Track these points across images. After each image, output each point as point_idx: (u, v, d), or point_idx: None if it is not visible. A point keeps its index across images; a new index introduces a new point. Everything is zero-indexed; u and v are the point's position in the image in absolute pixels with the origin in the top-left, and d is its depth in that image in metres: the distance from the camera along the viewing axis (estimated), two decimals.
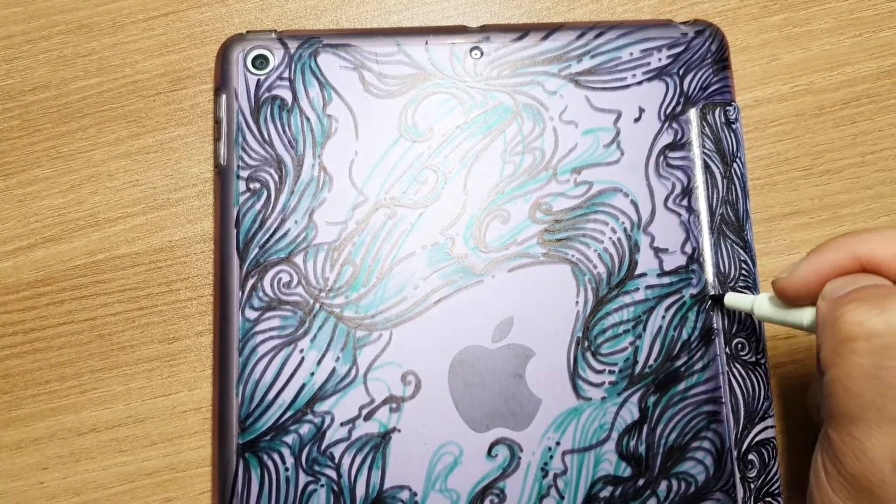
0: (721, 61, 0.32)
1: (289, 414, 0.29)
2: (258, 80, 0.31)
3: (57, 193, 0.33)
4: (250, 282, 0.30)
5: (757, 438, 0.30)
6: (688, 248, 0.31)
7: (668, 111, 0.32)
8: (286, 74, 0.31)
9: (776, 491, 0.29)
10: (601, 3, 0.35)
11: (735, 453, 0.30)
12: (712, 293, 0.30)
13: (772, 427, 0.30)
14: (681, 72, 0.32)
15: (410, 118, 0.31)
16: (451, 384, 0.30)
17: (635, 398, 0.30)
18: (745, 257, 0.31)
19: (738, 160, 0.32)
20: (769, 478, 0.30)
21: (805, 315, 0.26)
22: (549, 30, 0.32)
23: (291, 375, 0.30)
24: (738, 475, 0.30)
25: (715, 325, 0.30)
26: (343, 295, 0.30)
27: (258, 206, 0.31)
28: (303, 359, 0.30)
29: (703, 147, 0.32)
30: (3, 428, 0.31)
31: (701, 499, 0.29)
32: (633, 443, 0.30)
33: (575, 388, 0.30)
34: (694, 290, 0.31)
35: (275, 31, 0.32)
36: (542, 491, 0.29)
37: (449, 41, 0.32)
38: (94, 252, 0.33)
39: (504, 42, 0.32)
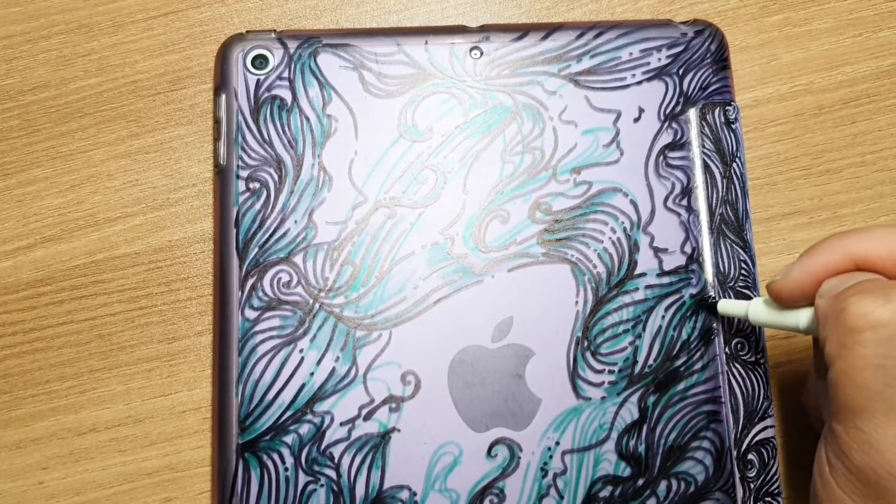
0: (721, 61, 0.32)
1: (288, 414, 0.29)
2: (258, 80, 0.31)
3: (56, 193, 0.33)
4: (250, 282, 0.30)
5: (756, 438, 0.30)
6: (687, 248, 0.31)
7: (668, 111, 0.32)
8: (286, 74, 0.31)
9: (776, 491, 0.30)
10: (601, 2, 0.35)
11: (735, 453, 0.30)
12: (705, 298, 0.30)
13: (771, 427, 0.30)
14: (680, 72, 0.32)
15: (410, 118, 0.31)
16: (451, 384, 0.30)
17: (635, 398, 0.30)
18: (744, 257, 0.31)
19: (737, 160, 0.32)
20: (769, 477, 0.30)
21: (801, 316, 0.25)
22: (549, 30, 0.32)
23: (291, 375, 0.30)
24: (737, 475, 0.30)
25: (714, 325, 0.30)
26: (343, 295, 0.30)
27: (258, 205, 0.31)
28: (302, 359, 0.30)
29: (703, 147, 0.32)
30: (2, 428, 0.31)
31: (700, 498, 0.29)
32: (632, 442, 0.30)
33: (574, 387, 0.30)
34: (693, 290, 0.31)
35: (274, 30, 0.32)
36: (541, 491, 0.29)
37: (449, 41, 0.32)
38: (94, 252, 0.33)
39: (504, 42, 0.32)
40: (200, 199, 0.33)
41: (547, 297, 0.30)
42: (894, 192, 0.33)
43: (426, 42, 0.32)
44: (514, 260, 0.31)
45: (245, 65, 0.31)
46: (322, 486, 0.29)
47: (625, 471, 0.29)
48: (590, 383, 0.30)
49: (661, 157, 0.32)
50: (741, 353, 0.30)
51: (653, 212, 0.31)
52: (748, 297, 0.31)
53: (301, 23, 0.35)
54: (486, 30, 0.32)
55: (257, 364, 0.30)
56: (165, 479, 0.31)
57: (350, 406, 0.29)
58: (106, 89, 0.34)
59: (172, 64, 0.34)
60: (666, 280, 0.31)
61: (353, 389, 0.30)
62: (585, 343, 0.30)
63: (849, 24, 0.35)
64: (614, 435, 0.30)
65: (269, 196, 0.31)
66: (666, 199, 0.31)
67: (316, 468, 0.29)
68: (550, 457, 0.29)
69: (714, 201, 0.31)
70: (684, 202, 0.31)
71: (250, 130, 0.31)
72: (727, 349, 0.30)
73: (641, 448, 0.30)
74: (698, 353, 0.30)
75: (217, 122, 0.31)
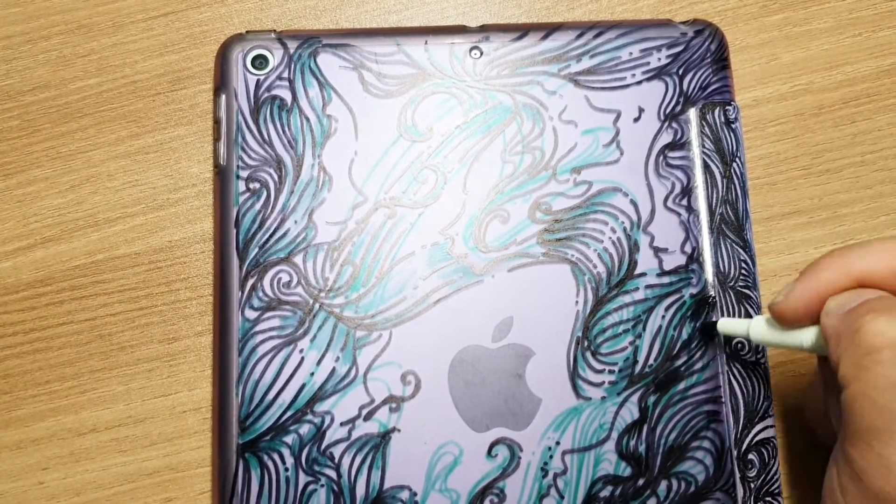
0: (720, 61, 0.32)
1: (289, 414, 0.29)
2: (258, 80, 0.31)
3: (56, 194, 0.33)
4: (250, 282, 0.30)
5: (757, 438, 0.30)
6: (687, 248, 0.31)
7: (668, 111, 0.32)
8: (286, 74, 0.31)
9: (776, 490, 0.30)
10: (600, 2, 0.35)
11: (735, 453, 0.30)
12: (706, 323, 0.30)
13: (772, 427, 0.30)
14: (680, 71, 0.32)
15: (410, 118, 0.31)
16: (451, 384, 0.30)
17: (635, 398, 0.30)
18: (744, 257, 0.31)
19: (737, 160, 0.32)
20: (769, 477, 0.30)
21: (805, 336, 0.25)
22: (549, 29, 0.32)
23: (291, 375, 0.30)
24: (737, 475, 0.30)
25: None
26: (343, 295, 0.30)
27: (258, 206, 0.31)
28: (302, 359, 0.30)
29: (703, 147, 0.32)
30: (3, 428, 0.31)
31: (701, 498, 0.29)
32: (632, 442, 0.30)
33: (575, 387, 0.30)
34: (694, 290, 0.31)
35: (274, 31, 0.32)
36: (541, 491, 0.29)
37: (448, 41, 0.32)
38: (94, 252, 0.33)
39: (504, 42, 0.32)
40: (200, 200, 0.33)
41: (547, 297, 0.30)
42: (894, 192, 0.33)
43: (426, 42, 0.32)
44: (515, 260, 0.31)
45: (245, 65, 0.31)
46: (322, 486, 0.29)
47: (625, 471, 0.29)
48: (590, 383, 0.30)
49: (661, 157, 0.32)
50: (741, 353, 0.30)
51: (653, 211, 0.31)
52: (748, 297, 0.31)
53: (301, 23, 0.35)
54: (485, 30, 0.32)
55: (257, 364, 0.30)
56: (166, 479, 0.31)
57: (350, 406, 0.29)
58: (106, 89, 0.34)
59: (172, 64, 0.34)
60: (666, 280, 0.31)
61: (353, 389, 0.30)
62: (585, 343, 0.30)
63: (848, 23, 0.35)
64: (614, 435, 0.30)
65: (269, 196, 0.31)
66: (666, 198, 0.31)
67: (316, 468, 0.29)
68: (551, 457, 0.29)
69: (714, 201, 0.31)
70: (684, 202, 0.31)
71: (250, 131, 0.31)
72: (727, 349, 0.30)
73: (642, 448, 0.30)
74: (698, 353, 0.30)
75: (217, 122, 0.31)
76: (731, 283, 0.31)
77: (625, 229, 0.31)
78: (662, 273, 0.31)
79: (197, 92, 0.34)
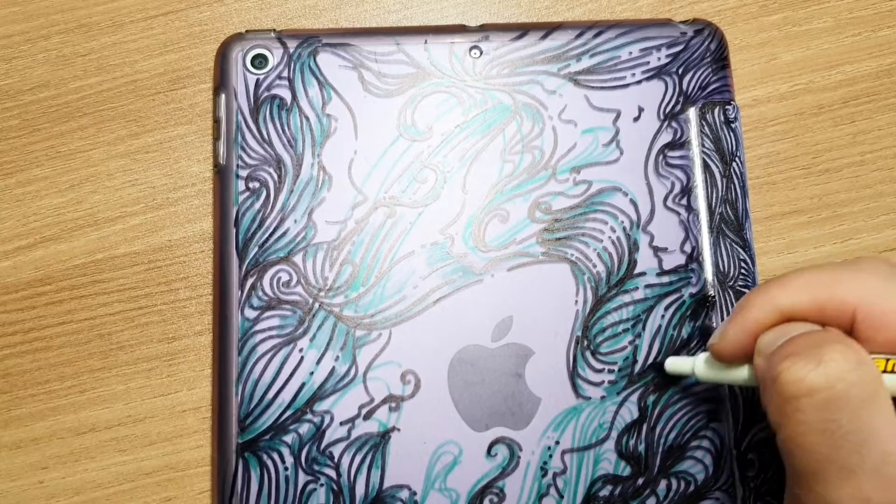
0: (720, 60, 0.32)
1: (288, 413, 0.29)
2: (257, 80, 0.31)
3: (56, 193, 0.33)
4: (249, 281, 0.30)
5: (756, 437, 0.30)
6: (687, 248, 0.31)
7: (668, 110, 0.32)
8: (285, 74, 0.31)
9: (776, 490, 0.29)
10: (600, 2, 0.35)
11: (734, 452, 0.30)
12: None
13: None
14: (680, 71, 0.32)
15: (410, 117, 0.31)
16: (451, 383, 0.30)
17: (635, 397, 0.30)
18: (744, 256, 0.31)
19: (737, 159, 0.32)
20: (769, 477, 0.30)
21: (745, 372, 0.26)
22: (549, 29, 0.32)
23: (291, 375, 0.30)
24: (737, 474, 0.30)
25: (714, 325, 0.30)
26: (342, 294, 0.30)
27: (257, 205, 0.31)
28: (302, 358, 0.30)
29: (703, 146, 0.32)
30: (2, 427, 0.31)
31: (700, 498, 0.29)
32: (632, 442, 0.30)
33: (574, 387, 0.30)
34: (693, 290, 0.31)
35: (274, 30, 0.32)
36: (541, 490, 0.29)
37: (448, 40, 0.32)
38: (94, 251, 0.33)
39: (503, 41, 0.32)
40: (200, 199, 0.33)
41: (547, 297, 0.30)
42: (894, 192, 0.34)
43: (426, 41, 0.32)
44: (514, 259, 0.31)
45: (245, 64, 0.31)
46: (322, 485, 0.29)
47: (624, 470, 0.29)
48: (589, 382, 0.30)
49: (661, 157, 0.32)
50: None
51: (652, 211, 0.31)
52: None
53: (300, 22, 0.35)
54: (485, 29, 0.32)
55: (257, 363, 0.30)
56: (165, 478, 0.31)
57: (350, 405, 0.29)
58: (105, 89, 0.34)
59: (172, 63, 0.34)
60: (666, 279, 0.31)
61: (352, 389, 0.30)
62: (585, 342, 0.30)
63: (848, 23, 0.35)
64: (614, 434, 0.30)
65: (268, 195, 0.31)
66: (666, 198, 0.31)
67: (316, 468, 0.29)
68: (550, 456, 0.29)
69: (714, 200, 0.31)
70: (684, 201, 0.31)
71: (250, 130, 0.31)
72: None
73: (641, 447, 0.30)
74: (698, 353, 0.30)
75: (217, 121, 0.31)
76: (731, 283, 0.31)
77: (624, 229, 0.31)
78: (662, 272, 0.31)
79: (196, 91, 0.34)
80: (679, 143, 0.32)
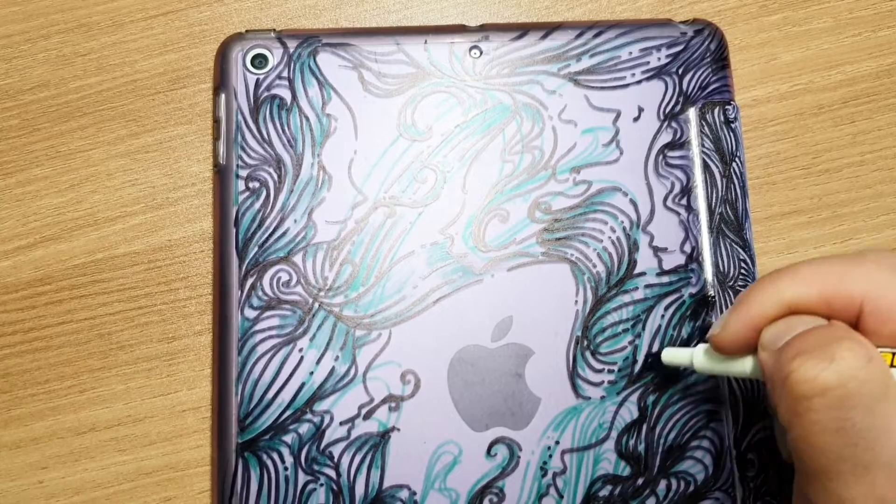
0: (720, 60, 0.32)
1: (288, 413, 0.29)
2: (257, 80, 0.31)
3: (56, 193, 0.33)
4: (249, 281, 0.30)
5: (756, 438, 0.30)
6: (687, 248, 0.31)
7: (668, 110, 0.32)
8: (285, 74, 0.31)
9: (776, 490, 0.29)
10: (600, 2, 0.35)
11: (734, 452, 0.30)
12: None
13: (771, 426, 0.30)
14: (680, 71, 0.32)
15: (409, 117, 0.31)
16: (451, 383, 0.30)
17: (634, 397, 0.30)
18: (744, 256, 0.31)
19: (737, 159, 0.32)
20: (769, 477, 0.30)
21: (747, 364, 0.25)
22: (549, 29, 0.32)
23: (291, 375, 0.30)
24: (737, 474, 0.30)
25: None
26: (342, 294, 0.30)
27: (257, 205, 0.31)
28: (302, 358, 0.30)
29: (703, 146, 0.32)
30: (2, 427, 0.31)
31: (700, 498, 0.29)
32: (632, 442, 0.30)
33: (574, 387, 0.30)
34: (693, 290, 0.31)
35: (274, 30, 0.32)
36: (541, 490, 0.29)
37: (448, 40, 0.32)
38: (94, 251, 0.33)
39: (503, 41, 0.32)
40: (200, 199, 0.33)
41: (546, 297, 0.30)
42: (894, 192, 0.34)
43: (425, 41, 0.32)
44: (514, 259, 0.31)
45: (244, 64, 0.31)
46: (322, 485, 0.29)
47: (624, 470, 0.29)
48: (589, 383, 0.30)
49: (661, 157, 0.32)
50: None
51: (652, 211, 0.31)
52: None
53: (300, 22, 0.35)
54: (485, 29, 0.32)
55: (257, 363, 0.30)
56: (165, 478, 0.31)
57: (350, 405, 0.29)
58: (105, 88, 0.34)
59: (172, 63, 0.34)
60: (665, 279, 0.31)
61: (352, 389, 0.30)
62: (585, 342, 0.30)
63: (848, 23, 0.35)
64: (614, 434, 0.30)
65: (268, 195, 0.31)
66: (665, 198, 0.31)
67: (315, 467, 0.29)
68: (550, 456, 0.29)
69: (714, 200, 0.31)
70: (684, 201, 0.31)
71: (250, 130, 0.31)
72: None
73: (641, 447, 0.30)
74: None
75: (216, 121, 0.31)
76: (731, 283, 0.31)
77: (624, 229, 0.31)
78: (662, 272, 0.31)
79: (196, 91, 0.34)
80: (679, 144, 0.32)
